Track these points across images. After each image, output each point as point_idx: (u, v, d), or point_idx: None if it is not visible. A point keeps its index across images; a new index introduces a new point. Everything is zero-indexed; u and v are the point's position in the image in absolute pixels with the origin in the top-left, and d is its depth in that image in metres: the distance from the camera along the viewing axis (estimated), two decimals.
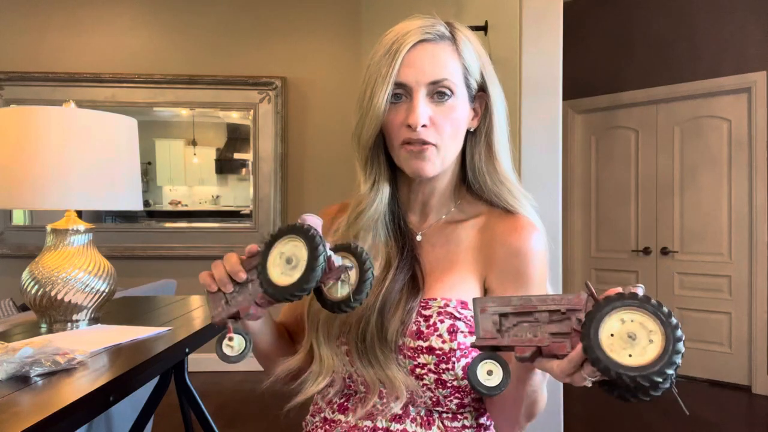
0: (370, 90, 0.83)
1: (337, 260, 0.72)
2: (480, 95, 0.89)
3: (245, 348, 0.73)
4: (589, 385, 0.62)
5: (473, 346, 0.67)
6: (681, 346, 0.55)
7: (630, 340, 0.56)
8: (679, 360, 0.55)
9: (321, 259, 0.68)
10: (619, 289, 0.58)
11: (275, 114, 4.28)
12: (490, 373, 0.65)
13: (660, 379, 0.55)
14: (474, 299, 0.67)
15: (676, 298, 4.18)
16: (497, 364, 0.64)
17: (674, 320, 0.56)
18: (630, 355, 0.56)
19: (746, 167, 3.87)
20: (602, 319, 0.57)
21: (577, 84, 4.26)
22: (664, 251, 4.21)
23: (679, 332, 0.55)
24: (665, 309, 0.56)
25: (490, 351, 0.65)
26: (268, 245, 0.72)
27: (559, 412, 2.32)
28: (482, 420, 0.87)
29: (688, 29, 4.07)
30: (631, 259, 4.39)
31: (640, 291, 0.58)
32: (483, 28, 2.67)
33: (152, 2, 4.29)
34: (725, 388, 3.89)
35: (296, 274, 0.69)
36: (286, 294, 0.69)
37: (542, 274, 0.86)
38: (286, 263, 0.70)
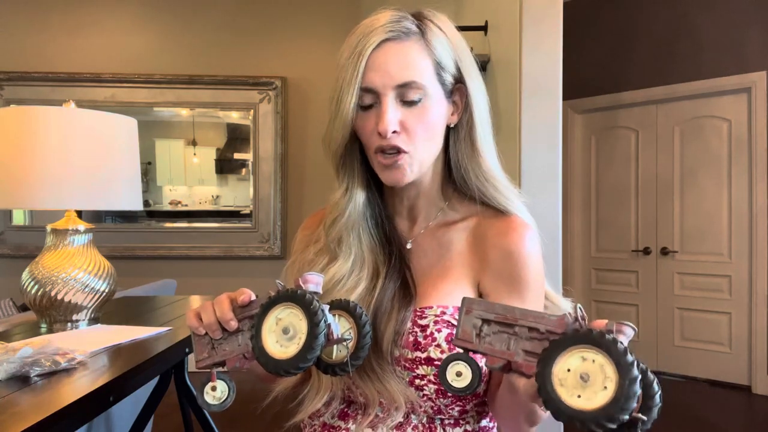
0: (338, 95, 0.80)
1: (336, 329, 0.68)
2: (459, 87, 0.84)
3: (227, 397, 0.70)
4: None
5: (451, 342, 0.66)
6: (631, 403, 0.50)
7: (582, 381, 0.53)
8: (624, 416, 0.50)
9: (321, 337, 0.64)
10: (605, 323, 0.54)
11: (275, 114, 4.28)
12: (459, 374, 0.63)
13: (597, 430, 0.51)
14: (464, 298, 0.66)
15: (676, 298, 4.18)
16: (468, 367, 0.63)
17: (635, 373, 0.51)
18: (579, 396, 0.53)
19: (746, 167, 3.87)
20: (563, 351, 0.54)
21: (577, 84, 4.26)
22: (664, 251, 4.21)
23: (635, 388, 0.50)
24: (629, 358, 0.51)
25: (463, 353, 0.64)
26: (265, 308, 0.67)
27: None
28: (484, 422, 0.86)
29: (688, 29, 4.07)
30: (631, 259, 4.39)
31: (628, 331, 0.54)
32: (483, 28, 2.67)
33: (152, 2, 4.29)
34: (725, 388, 3.89)
35: (292, 348, 0.65)
36: (279, 369, 0.64)
37: (537, 275, 0.83)
38: (282, 333, 0.66)
